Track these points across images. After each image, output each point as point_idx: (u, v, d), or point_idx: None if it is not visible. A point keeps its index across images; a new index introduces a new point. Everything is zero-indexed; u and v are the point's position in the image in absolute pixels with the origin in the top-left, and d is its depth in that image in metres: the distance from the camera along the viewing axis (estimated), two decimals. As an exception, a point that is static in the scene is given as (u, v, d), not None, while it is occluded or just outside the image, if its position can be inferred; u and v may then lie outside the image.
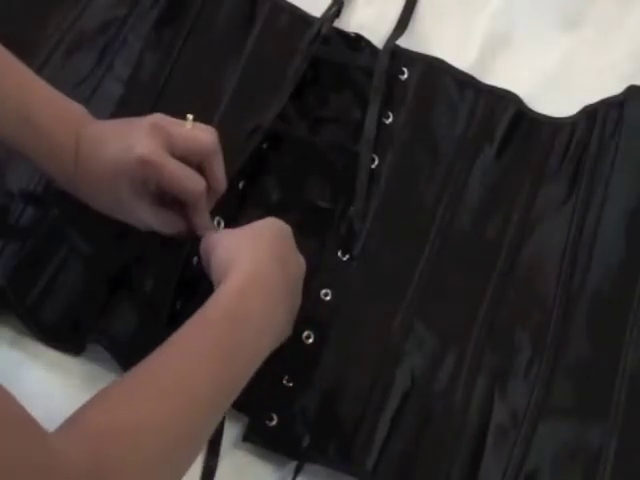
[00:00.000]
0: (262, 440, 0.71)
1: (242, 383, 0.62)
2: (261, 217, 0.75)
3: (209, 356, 0.60)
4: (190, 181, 0.69)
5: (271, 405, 0.72)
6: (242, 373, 0.63)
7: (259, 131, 0.80)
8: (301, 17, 0.88)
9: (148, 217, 0.69)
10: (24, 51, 0.75)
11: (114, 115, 0.79)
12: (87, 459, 0.51)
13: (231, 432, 0.71)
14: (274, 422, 0.71)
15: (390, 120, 0.83)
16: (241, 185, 0.78)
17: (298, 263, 0.70)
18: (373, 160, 0.81)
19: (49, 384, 0.71)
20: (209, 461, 0.70)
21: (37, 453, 0.48)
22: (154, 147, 0.67)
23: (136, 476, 0.54)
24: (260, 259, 0.65)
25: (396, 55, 0.86)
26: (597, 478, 0.69)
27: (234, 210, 0.78)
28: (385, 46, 0.86)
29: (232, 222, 0.75)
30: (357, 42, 0.87)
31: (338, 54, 0.85)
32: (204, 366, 0.59)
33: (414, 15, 0.90)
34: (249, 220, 0.71)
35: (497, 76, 0.87)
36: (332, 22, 0.86)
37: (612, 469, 0.69)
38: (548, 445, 0.70)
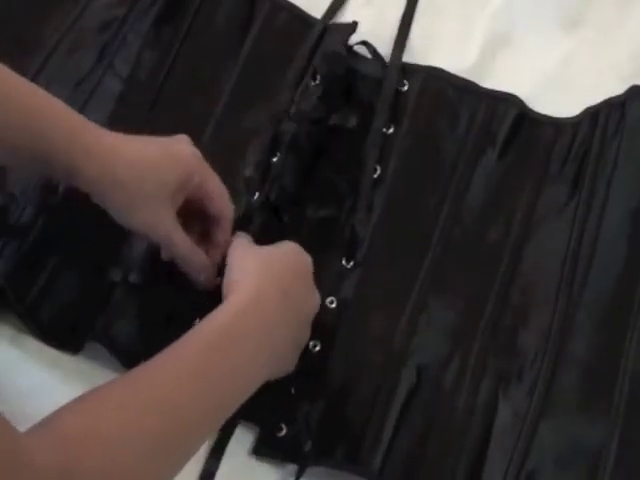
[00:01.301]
0: (272, 452, 0.71)
1: (231, 405, 0.62)
2: (264, 219, 0.75)
3: (195, 374, 0.59)
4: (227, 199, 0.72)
5: (279, 415, 0.72)
6: (230, 395, 0.62)
7: (283, 139, 0.80)
8: (300, 16, 0.88)
9: (171, 225, 0.69)
10: (25, 51, 0.75)
11: (114, 112, 0.79)
12: (58, 461, 0.50)
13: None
14: (283, 432, 0.71)
15: (391, 131, 0.83)
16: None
17: (310, 299, 0.70)
18: (375, 170, 0.81)
19: (49, 382, 0.71)
20: (209, 465, 0.70)
21: (7, 452, 0.47)
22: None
23: None
24: (264, 287, 0.66)
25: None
26: (597, 478, 0.68)
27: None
28: (392, 60, 0.86)
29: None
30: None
31: (342, 59, 0.85)
32: (188, 383, 0.59)
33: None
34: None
35: (497, 76, 0.87)
36: (347, 39, 0.86)
37: (612, 470, 0.69)
38: (549, 445, 0.70)
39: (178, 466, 0.58)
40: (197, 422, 0.59)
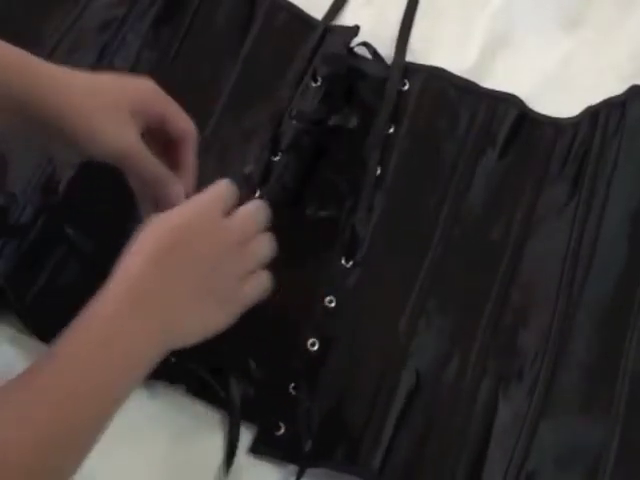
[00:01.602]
0: (270, 451, 0.71)
1: (124, 386, 0.60)
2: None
3: (90, 362, 0.58)
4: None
5: (278, 414, 0.72)
6: (120, 372, 0.60)
7: (284, 139, 0.80)
8: (300, 17, 0.88)
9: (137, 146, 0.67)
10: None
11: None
12: None
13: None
14: (281, 431, 0.71)
15: (392, 130, 0.83)
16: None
17: (214, 251, 0.65)
18: (375, 169, 0.81)
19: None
20: (232, 434, 0.70)
21: None
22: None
23: (17, 472, 0.52)
24: (137, 264, 0.62)
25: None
26: (597, 478, 0.69)
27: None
28: (395, 62, 0.86)
29: None
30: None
31: (342, 60, 0.85)
32: (88, 372, 0.57)
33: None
34: None
35: (497, 76, 0.87)
36: (349, 41, 0.86)
37: (612, 470, 0.69)
38: (549, 445, 0.70)
39: (87, 447, 0.57)
40: (100, 408, 0.58)
